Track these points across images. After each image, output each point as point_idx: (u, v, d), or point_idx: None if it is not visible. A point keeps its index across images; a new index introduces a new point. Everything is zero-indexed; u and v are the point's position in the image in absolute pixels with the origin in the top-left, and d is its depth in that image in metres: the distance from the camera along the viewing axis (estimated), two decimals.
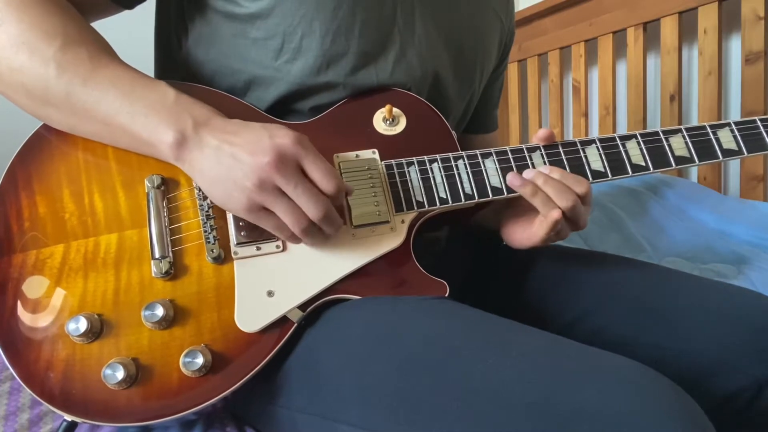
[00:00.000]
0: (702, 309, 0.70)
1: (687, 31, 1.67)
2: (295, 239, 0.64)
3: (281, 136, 0.60)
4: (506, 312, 0.64)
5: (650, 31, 1.77)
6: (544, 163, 0.72)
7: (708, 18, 1.57)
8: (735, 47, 1.62)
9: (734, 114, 1.63)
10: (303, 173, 0.60)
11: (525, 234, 0.73)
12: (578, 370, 0.50)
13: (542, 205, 0.68)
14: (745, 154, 0.74)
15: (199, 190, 0.66)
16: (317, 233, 0.63)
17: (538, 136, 0.74)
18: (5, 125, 1.31)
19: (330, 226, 0.62)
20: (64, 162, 0.67)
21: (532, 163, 0.72)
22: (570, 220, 0.69)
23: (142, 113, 0.62)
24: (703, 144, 0.74)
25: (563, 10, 2.02)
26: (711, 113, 1.58)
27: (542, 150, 0.73)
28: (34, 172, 0.66)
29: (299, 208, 0.60)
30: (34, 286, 0.62)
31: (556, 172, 0.69)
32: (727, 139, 0.74)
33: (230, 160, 0.59)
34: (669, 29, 1.67)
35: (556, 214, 0.67)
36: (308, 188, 0.60)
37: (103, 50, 0.66)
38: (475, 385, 0.52)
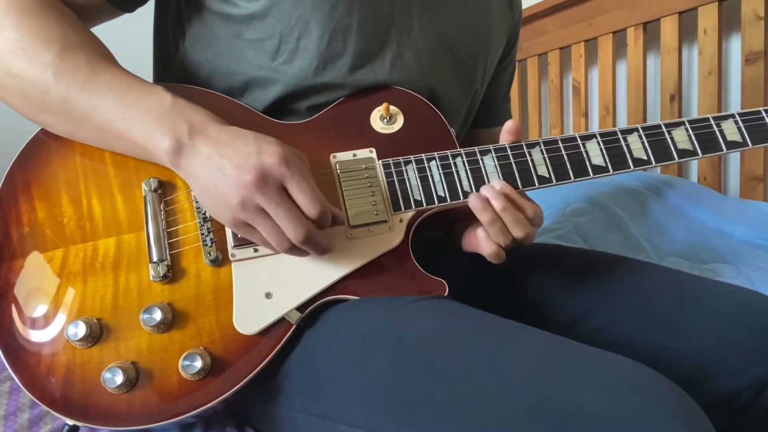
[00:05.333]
0: (702, 309, 0.70)
1: (687, 31, 1.67)
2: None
3: (269, 154, 0.59)
4: (506, 312, 0.64)
5: (650, 31, 1.77)
6: (544, 159, 0.71)
7: (708, 18, 1.57)
8: (735, 47, 1.62)
9: None
10: (287, 194, 0.60)
11: (468, 240, 0.73)
12: (579, 370, 0.50)
13: (496, 233, 0.67)
14: (750, 145, 0.73)
15: None
16: (300, 254, 0.63)
17: (505, 129, 0.72)
18: (5, 127, 1.31)
19: (313, 249, 0.61)
20: (62, 166, 0.67)
21: (532, 160, 0.71)
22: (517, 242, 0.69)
23: (138, 119, 0.62)
24: (706, 136, 0.73)
25: (563, 10, 2.02)
26: (711, 113, 1.56)
27: (542, 146, 0.72)
28: (32, 177, 0.66)
29: (281, 229, 0.59)
30: None
31: (512, 194, 0.68)
32: (731, 130, 0.73)
33: (218, 174, 0.59)
34: (669, 29, 1.67)
35: (505, 242, 0.68)
36: (289, 210, 0.59)
37: (102, 55, 0.66)
38: (475, 385, 0.52)
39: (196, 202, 0.66)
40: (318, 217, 0.60)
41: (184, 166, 0.61)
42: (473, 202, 0.67)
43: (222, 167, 0.59)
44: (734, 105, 1.62)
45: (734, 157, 1.63)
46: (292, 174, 0.59)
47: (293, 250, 0.61)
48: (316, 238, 0.61)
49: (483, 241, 0.69)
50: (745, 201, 1.50)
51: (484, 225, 0.67)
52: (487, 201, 0.67)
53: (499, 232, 0.67)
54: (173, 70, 0.78)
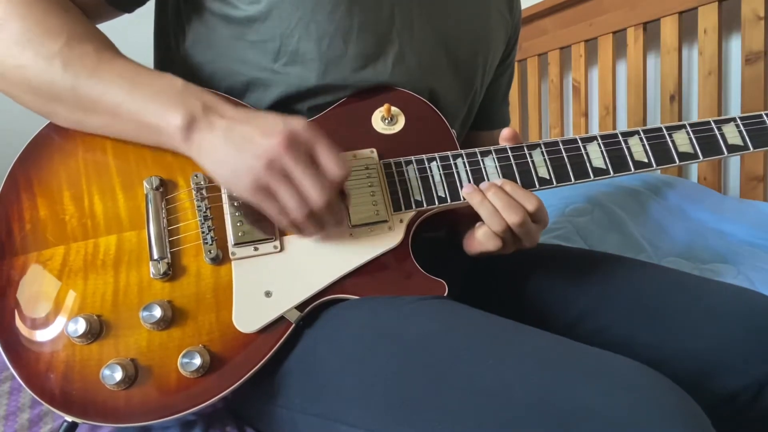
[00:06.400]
0: (702, 309, 0.70)
1: (687, 31, 1.67)
2: (295, 227, 0.63)
3: (296, 120, 0.60)
4: (506, 312, 0.64)
5: (650, 31, 1.77)
6: (545, 161, 0.72)
7: (708, 18, 1.57)
8: (735, 47, 1.62)
9: (734, 114, 1.62)
10: (312, 161, 0.60)
11: (469, 241, 0.73)
12: (579, 370, 0.51)
13: (488, 216, 0.67)
14: (751, 149, 0.73)
15: (198, 191, 0.66)
16: (317, 225, 0.63)
17: (502, 137, 0.73)
18: (5, 127, 1.31)
19: (331, 216, 0.62)
20: (64, 165, 0.67)
21: (533, 161, 0.72)
22: (517, 236, 0.69)
23: (150, 98, 0.62)
24: (707, 140, 0.73)
25: (563, 10, 2.02)
26: (711, 113, 1.58)
27: (543, 148, 0.72)
28: (34, 175, 0.66)
29: (303, 194, 0.60)
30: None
31: (507, 185, 0.69)
32: (732, 134, 0.73)
33: (241, 140, 0.59)
34: (669, 29, 1.67)
35: (499, 227, 0.67)
36: (315, 174, 0.59)
37: (108, 47, 0.67)
38: (475, 385, 0.52)
39: (197, 200, 0.66)
40: (342, 179, 0.61)
41: (198, 141, 0.61)
42: (465, 189, 0.70)
43: (245, 134, 0.59)
44: (734, 105, 1.62)
45: (734, 158, 1.63)
46: (319, 139, 0.60)
47: (309, 217, 0.61)
48: (335, 206, 0.61)
49: (479, 229, 0.70)
50: (745, 201, 1.50)
51: (475, 208, 0.68)
52: (477, 188, 0.69)
53: (490, 215, 0.67)
54: (174, 70, 0.77)
